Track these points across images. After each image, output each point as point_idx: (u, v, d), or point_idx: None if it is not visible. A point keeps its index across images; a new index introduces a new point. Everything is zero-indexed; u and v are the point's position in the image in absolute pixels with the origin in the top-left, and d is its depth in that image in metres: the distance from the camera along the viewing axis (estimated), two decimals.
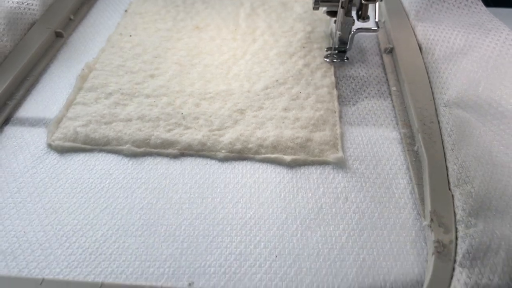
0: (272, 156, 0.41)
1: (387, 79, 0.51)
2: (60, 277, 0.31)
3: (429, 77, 0.48)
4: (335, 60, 0.52)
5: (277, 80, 0.50)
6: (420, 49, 0.52)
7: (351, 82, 0.51)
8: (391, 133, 0.44)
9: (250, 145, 0.42)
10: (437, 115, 0.43)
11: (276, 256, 0.33)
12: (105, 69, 0.51)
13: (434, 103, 0.45)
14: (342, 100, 0.48)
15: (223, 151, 0.41)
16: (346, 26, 0.49)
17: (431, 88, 0.47)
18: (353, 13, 0.49)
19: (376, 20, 0.49)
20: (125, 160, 0.41)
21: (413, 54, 0.52)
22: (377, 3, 0.49)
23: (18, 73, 0.48)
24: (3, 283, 0.31)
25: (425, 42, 0.52)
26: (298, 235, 0.35)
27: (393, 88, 0.49)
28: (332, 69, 0.52)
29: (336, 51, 0.53)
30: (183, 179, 0.39)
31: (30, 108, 0.46)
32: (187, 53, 0.54)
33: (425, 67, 0.49)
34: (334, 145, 0.42)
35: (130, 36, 0.57)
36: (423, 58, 0.51)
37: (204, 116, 0.45)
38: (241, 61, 0.53)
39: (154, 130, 0.43)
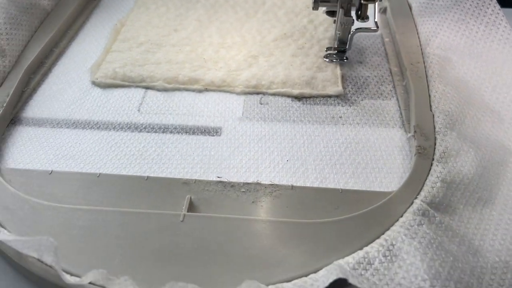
0: (282, 90, 0.48)
1: (381, 34, 0.58)
2: (114, 172, 0.39)
3: (417, 30, 0.55)
4: (334, 60, 0.53)
5: (285, 34, 0.57)
6: (410, 8, 0.60)
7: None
8: (384, 72, 0.51)
9: (263, 82, 0.49)
10: (423, 57, 0.51)
11: (287, 160, 0.41)
12: (135, 24, 0.59)
13: (421, 49, 0.52)
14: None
15: (240, 86, 0.49)
16: (345, 26, 0.50)
17: (418, 38, 0.54)
18: (353, 13, 0.50)
19: (376, 20, 0.50)
20: (158, 94, 0.48)
21: (403, 11, 0.59)
22: (376, 3, 0.50)
23: (60, 26, 0.55)
24: (69, 176, 0.38)
25: (415, 2, 0.59)
26: (305, 146, 0.42)
27: (386, 39, 0.56)
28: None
29: (336, 51, 0.53)
30: (207, 108, 0.47)
31: (72, 54, 0.54)
32: (205, 12, 0.61)
33: (414, 22, 0.57)
34: (335, 82, 0.50)
35: None
36: (412, 15, 0.58)
37: (223, 60, 0.52)
38: (253, 18, 0.60)
39: (181, 70, 0.50)
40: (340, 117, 0.46)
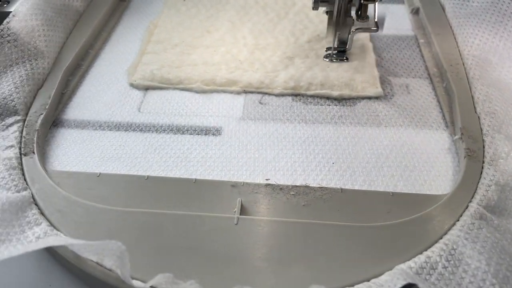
0: (321, 91, 0.48)
1: (415, 35, 0.58)
2: (161, 174, 0.39)
3: (453, 31, 0.55)
4: (334, 60, 0.52)
5: (318, 35, 0.57)
6: (443, 9, 0.59)
7: (383, 37, 0.58)
8: (421, 73, 0.51)
9: (301, 83, 0.49)
10: (461, 59, 0.50)
11: (333, 163, 0.40)
12: (167, 26, 0.58)
13: (459, 50, 0.52)
14: (376, 50, 0.55)
15: (278, 88, 0.49)
16: (345, 26, 0.50)
17: (455, 39, 0.54)
18: (353, 13, 0.50)
19: (376, 20, 0.49)
20: (196, 95, 0.48)
21: (436, 12, 0.58)
22: (376, 3, 0.49)
23: (94, 28, 0.55)
24: (117, 179, 0.38)
25: (448, 3, 0.58)
26: (350, 148, 0.42)
27: (421, 41, 0.56)
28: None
29: (336, 51, 0.53)
30: (247, 109, 0.46)
31: (107, 56, 0.54)
32: (236, 13, 0.61)
33: (449, 24, 0.56)
34: (374, 83, 0.49)
35: (184, 0, 0.64)
36: (446, 16, 0.57)
37: (258, 61, 0.52)
38: (284, 20, 0.60)
39: (218, 72, 0.50)
40: (382, 119, 0.45)
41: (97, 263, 0.30)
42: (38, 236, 0.31)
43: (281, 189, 0.38)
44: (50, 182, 0.36)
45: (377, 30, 0.50)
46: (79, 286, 0.32)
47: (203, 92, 0.49)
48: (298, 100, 0.48)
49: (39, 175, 0.36)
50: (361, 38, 0.56)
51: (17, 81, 0.43)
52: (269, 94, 0.48)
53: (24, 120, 0.42)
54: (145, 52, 0.54)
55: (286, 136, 0.43)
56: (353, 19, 0.50)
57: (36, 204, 0.34)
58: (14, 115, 0.41)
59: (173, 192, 0.37)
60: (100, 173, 0.38)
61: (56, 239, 0.27)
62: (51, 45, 0.49)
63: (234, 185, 0.38)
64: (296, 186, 0.38)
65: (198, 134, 0.43)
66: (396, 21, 0.61)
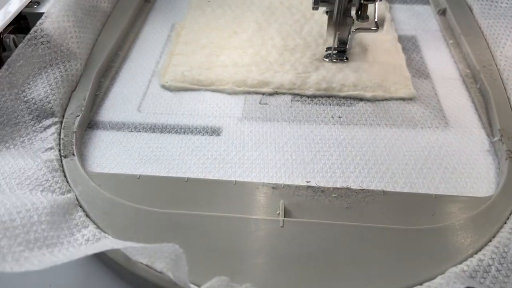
0: (354, 93, 0.48)
1: (443, 35, 0.58)
2: (200, 176, 0.39)
3: (482, 32, 0.54)
4: (334, 60, 0.52)
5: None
6: (471, 10, 0.59)
7: (411, 38, 0.57)
8: (453, 74, 0.51)
9: (333, 85, 0.49)
10: (494, 59, 0.50)
11: (373, 165, 0.40)
12: (194, 27, 0.58)
13: (490, 51, 0.51)
14: (405, 51, 0.55)
15: (311, 89, 0.48)
16: (345, 26, 0.50)
17: (485, 40, 0.53)
18: (353, 13, 0.49)
19: (376, 20, 0.49)
20: (228, 97, 0.48)
21: (464, 13, 0.58)
22: (376, 3, 0.49)
23: (123, 29, 0.55)
24: (158, 181, 0.38)
25: (476, 4, 0.58)
26: (387, 150, 0.42)
27: (450, 41, 0.56)
28: (393, 26, 0.59)
29: (336, 51, 0.52)
30: (280, 110, 0.46)
31: (136, 57, 0.54)
32: (262, 14, 0.61)
33: (478, 25, 0.56)
34: (406, 84, 0.49)
35: (209, 1, 0.64)
36: (474, 17, 0.57)
37: (288, 62, 0.52)
38: (310, 20, 0.60)
39: (248, 73, 0.50)
40: (418, 120, 0.45)
41: (147, 265, 0.30)
42: (87, 238, 0.31)
43: (322, 191, 0.37)
44: (93, 185, 0.35)
45: (377, 30, 0.50)
46: None
47: (235, 93, 0.49)
48: (331, 101, 0.48)
49: (81, 177, 0.36)
50: (389, 39, 0.56)
51: (52, 82, 0.43)
52: (301, 95, 0.48)
53: (61, 122, 0.41)
54: (173, 54, 0.54)
55: (322, 138, 0.43)
56: (353, 19, 0.50)
57: (81, 206, 0.34)
58: (51, 116, 0.41)
59: (213, 194, 0.37)
60: (140, 175, 0.38)
61: (115, 242, 0.26)
62: (83, 47, 0.49)
63: (274, 187, 0.38)
64: (337, 188, 0.38)
65: (235, 136, 0.43)
66: (423, 22, 0.61)
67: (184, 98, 0.48)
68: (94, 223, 0.33)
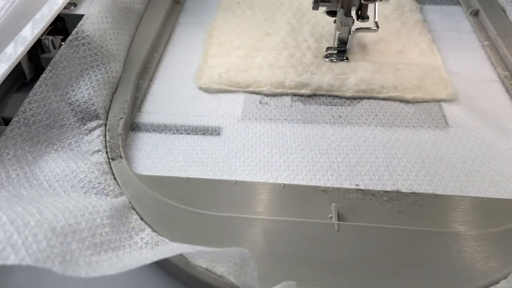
0: (394, 94, 0.47)
1: (477, 36, 0.57)
2: (246, 179, 0.38)
3: None
4: (334, 60, 0.52)
5: (381, 37, 0.56)
6: (504, 11, 0.58)
7: (445, 39, 0.57)
8: (491, 75, 0.50)
9: (372, 86, 0.48)
10: None
11: (420, 168, 0.40)
12: (226, 29, 0.58)
13: None
14: (440, 52, 0.54)
15: (350, 90, 0.48)
16: (345, 26, 0.50)
17: None
18: (353, 13, 0.50)
19: (376, 20, 0.50)
20: (266, 99, 0.48)
21: (497, 14, 0.58)
22: (376, 3, 0.49)
23: (156, 31, 0.55)
24: (205, 183, 0.38)
25: (509, 5, 0.58)
26: (433, 153, 0.41)
27: (486, 43, 0.55)
28: (426, 27, 0.58)
29: (336, 51, 0.52)
30: (321, 111, 0.46)
31: (171, 59, 0.53)
32: (293, 15, 0.61)
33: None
34: (445, 86, 0.48)
35: (238, 2, 0.64)
36: (508, 18, 0.57)
37: (325, 64, 0.52)
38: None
39: (286, 75, 0.50)
40: (460, 122, 0.44)
41: (206, 269, 0.29)
42: (146, 242, 0.30)
43: (373, 194, 0.37)
44: (144, 187, 0.35)
45: (377, 30, 0.50)
46: None
47: (273, 95, 0.48)
48: (370, 103, 0.47)
49: (132, 180, 0.36)
50: (423, 40, 0.56)
51: (94, 84, 0.43)
52: (340, 97, 0.48)
53: (105, 124, 0.41)
54: (208, 55, 0.53)
55: (366, 140, 0.43)
56: (353, 19, 0.49)
57: (134, 209, 0.34)
58: (96, 119, 0.41)
59: (262, 197, 0.37)
60: (187, 178, 0.38)
61: (184, 247, 0.26)
62: (121, 48, 0.49)
63: (324, 190, 0.37)
64: (388, 191, 0.37)
65: (281, 138, 0.43)
66: (455, 23, 0.61)
67: (222, 100, 0.48)
68: (150, 226, 0.32)
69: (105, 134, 0.40)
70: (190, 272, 0.30)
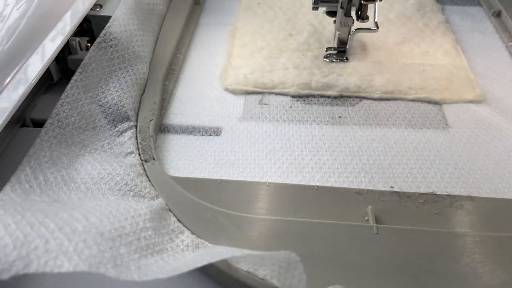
0: (422, 96, 0.47)
1: (500, 37, 0.57)
2: (278, 181, 0.38)
3: None
4: (334, 60, 0.52)
5: (404, 37, 0.56)
6: None
7: (468, 40, 0.57)
8: None
9: (399, 87, 0.48)
10: None
11: (454, 169, 0.39)
12: (248, 29, 0.58)
13: None
14: (464, 53, 0.54)
15: (377, 92, 0.48)
16: (345, 26, 0.50)
17: None
18: (353, 13, 0.50)
19: (376, 20, 0.49)
20: (293, 100, 0.48)
21: None
22: (376, 3, 0.49)
23: (179, 33, 0.55)
24: (238, 186, 0.38)
25: None
26: (465, 154, 0.41)
27: (510, 44, 0.55)
28: (449, 27, 0.58)
29: (336, 51, 0.52)
30: (349, 114, 0.46)
31: (194, 60, 0.53)
32: (314, 16, 0.61)
33: None
34: (472, 87, 0.48)
35: (259, 3, 0.63)
36: None
37: (349, 65, 0.51)
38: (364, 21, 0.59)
39: (311, 76, 0.50)
40: (490, 123, 0.44)
41: (248, 271, 0.29)
42: (187, 244, 0.30)
43: (408, 196, 0.37)
44: (179, 189, 0.35)
45: (377, 30, 0.50)
46: None
47: (300, 96, 0.48)
48: (398, 104, 0.47)
49: (166, 182, 0.36)
50: (447, 41, 0.55)
51: (123, 86, 0.43)
52: (367, 98, 0.48)
53: (136, 126, 0.41)
54: (232, 56, 0.53)
55: (396, 141, 0.42)
56: (353, 19, 0.49)
57: (171, 211, 0.34)
58: (126, 120, 0.41)
59: (295, 199, 0.37)
60: (220, 180, 0.38)
61: (234, 250, 0.26)
62: (146, 50, 0.48)
63: (358, 192, 0.37)
64: (423, 193, 0.37)
65: (311, 139, 0.43)
66: (477, 23, 0.60)
67: (248, 101, 0.48)
68: (188, 228, 0.32)
69: (136, 136, 0.40)
70: (232, 275, 0.29)
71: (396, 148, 0.42)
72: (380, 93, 0.48)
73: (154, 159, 0.38)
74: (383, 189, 0.38)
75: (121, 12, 0.47)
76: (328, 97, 0.48)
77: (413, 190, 0.38)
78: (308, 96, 0.48)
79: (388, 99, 0.48)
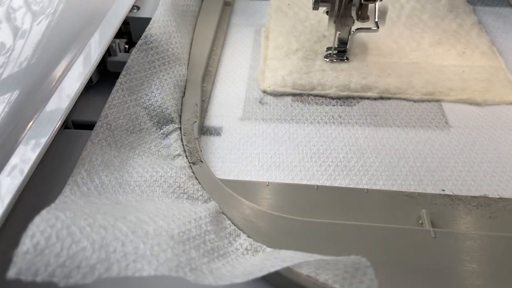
0: (463, 97, 0.47)
1: None
2: (326, 184, 0.38)
3: None
4: (334, 60, 0.52)
5: (440, 38, 0.56)
6: None
7: (503, 41, 0.56)
8: None
9: (440, 89, 0.48)
10: None
11: (503, 172, 0.39)
12: (281, 30, 0.58)
13: None
14: (501, 54, 0.54)
15: (417, 94, 0.47)
16: (345, 26, 0.50)
17: None
18: (353, 13, 0.49)
19: (376, 20, 0.49)
20: (333, 101, 0.47)
21: None
22: (376, 3, 0.49)
23: (213, 34, 0.55)
24: (287, 188, 0.37)
25: None
26: (507, 155, 0.40)
27: None
28: (483, 28, 0.58)
29: (336, 51, 0.52)
30: (390, 115, 0.45)
31: (228, 62, 0.53)
32: None
33: None
34: None
35: (289, 4, 0.63)
36: None
37: (387, 66, 0.51)
38: (397, 23, 0.59)
39: (350, 77, 0.49)
40: None
41: (308, 275, 0.29)
42: (246, 248, 0.30)
43: (460, 200, 0.36)
44: (229, 192, 0.35)
45: (377, 30, 0.49)
46: None
47: (339, 98, 0.48)
48: (439, 105, 0.47)
49: (216, 184, 0.36)
50: (483, 42, 0.55)
51: (166, 88, 0.43)
52: (408, 100, 0.47)
53: (180, 128, 0.41)
54: (267, 58, 0.53)
55: (442, 143, 0.42)
56: (353, 19, 0.49)
57: (224, 214, 0.33)
58: (171, 123, 0.41)
59: (345, 202, 0.36)
60: (268, 182, 0.38)
61: (304, 255, 0.26)
62: (184, 52, 0.48)
63: (409, 195, 0.37)
64: (475, 197, 0.36)
65: (356, 141, 0.42)
66: (510, 24, 0.60)
67: (288, 103, 0.47)
68: (243, 232, 0.32)
69: (181, 138, 0.40)
70: (292, 279, 0.29)
71: (443, 150, 0.41)
72: (420, 94, 0.47)
73: (201, 161, 0.38)
74: (433, 192, 0.37)
75: (161, 14, 0.47)
76: (368, 98, 0.48)
77: (464, 193, 0.37)
78: (347, 98, 0.48)
79: (428, 101, 0.47)
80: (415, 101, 0.47)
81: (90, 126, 0.40)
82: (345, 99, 0.48)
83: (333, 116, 0.45)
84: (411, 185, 0.38)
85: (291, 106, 0.47)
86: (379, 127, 0.44)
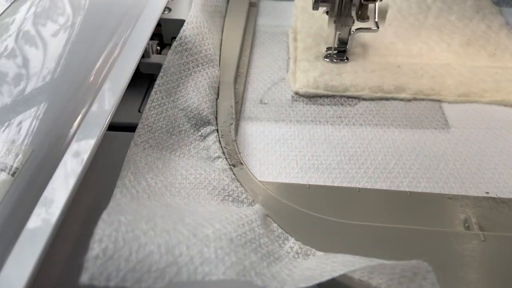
0: (499, 98, 0.46)
1: None
2: (367, 186, 0.38)
3: None
4: (334, 60, 0.52)
5: (469, 39, 0.55)
6: None
7: None
8: None
9: (474, 90, 0.47)
10: None
11: None
12: (309, 32, 0.57)
13: None
14: None
15: (451, 95, 0.47)
16: (345, 26, 0.49)
17: None
18: (353, 13, 0.49)
19: (376, 20, 0.49)
20: (366, 103, 0.47)
21: None
22: (376, 3, 0.49)
23: (242, 36, 0.54)
24: (328, 191, 0.37)
25: None
26: None
27: None
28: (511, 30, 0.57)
29: (336, 51, 0.52)
30: (426, 117, 0.45)
31: (257, 63, 0.53)
32: None
33: None
34: None
35: None
36: None
37: (419, 67, 0.51)
38: (425, 24, 0.59)
39: (383, 78, 0.49)
40: None
41: (360, 280, 0.29)
42: (296, 251, 0.30)
43: (504, 202, 0.36)
44: (272, 194, 0.35)
45: (377, 30, 0.49)
46: None
47: (372, 100, 0.47)
48: (474, 107, 0.46)
49: (258, 187, 0.35)
50: (504, 42, 0.55)
51: (201, 90, 0.42)
52: (442, 101, 0.47)
53: (217, 130, 0.41)
54: (297, 59, 0.53)
55: (480, 145, 0.42)
56: (353, 19, 0.49)
57: (269, 217, 0.33)
58: (208, 125, 0.40)
59: (388, 205, 0.36)
60: (309, 185, 0.37)
61: (366, 259, 0.26)
62: (216, 53, 0.48)
63: (451, 198, 0.36)
64: None
65: (384, 143, 0.42)
66: None
67: (321, 104, 0.47)
68: (291, 235, 0.32)
69: (219, 140, 0.40)
70: (344, 283, 0.29)
71: (482, 152, 0.41)
72: (455, 95, 0.47)
73: (241, 163, 0.38)
74: (476, 194, 0.37)
75: (193, 15, 0.47)
76: (401, 99, 0.47)
77: (506, 195, 0.37)
78: (380, 99, 0.48)
79: (463, 102, 0.47)
80: (449, 102, 0.47)
81: (121, 128, 0.40)
82: (378, 100, 0.47)
83: (367, 117, 0.45)
84: (453, 187, 0.38)
85: (324, 107, 0.47)
86: (415, 129, 0.44)
